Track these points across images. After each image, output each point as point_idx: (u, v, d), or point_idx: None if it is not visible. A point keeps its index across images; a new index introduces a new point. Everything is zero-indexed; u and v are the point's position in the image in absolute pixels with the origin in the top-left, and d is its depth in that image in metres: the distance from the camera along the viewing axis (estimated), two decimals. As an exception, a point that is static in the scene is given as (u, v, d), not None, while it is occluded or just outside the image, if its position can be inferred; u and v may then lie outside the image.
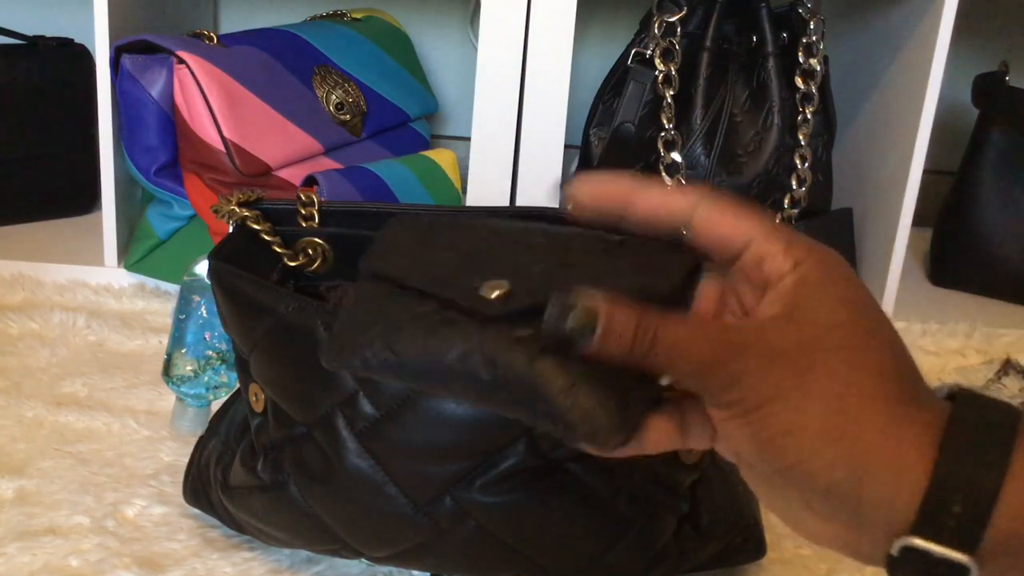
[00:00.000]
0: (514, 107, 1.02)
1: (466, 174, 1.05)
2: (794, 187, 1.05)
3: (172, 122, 0.96)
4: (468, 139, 1.05)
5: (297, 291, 0.62)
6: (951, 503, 0.35)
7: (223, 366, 0.74)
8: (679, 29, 1.03)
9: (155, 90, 0.94)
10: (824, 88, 1.07)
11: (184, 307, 0.74)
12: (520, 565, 0.56)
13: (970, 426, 0.36)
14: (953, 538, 0.35)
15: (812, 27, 1.03)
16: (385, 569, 0.63)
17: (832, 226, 1.10)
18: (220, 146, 0.94)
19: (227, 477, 0.61)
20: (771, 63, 1.04)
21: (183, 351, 0.74)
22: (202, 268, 0.72)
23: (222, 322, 0.60)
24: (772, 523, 0.65)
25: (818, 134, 1.07)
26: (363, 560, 0.63)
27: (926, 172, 1.04)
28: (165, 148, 0.97)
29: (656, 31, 1.02)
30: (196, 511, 0.66)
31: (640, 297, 0.38)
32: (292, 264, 0.62)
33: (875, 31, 1.15)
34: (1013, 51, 1.32)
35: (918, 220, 1.05)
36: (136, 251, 1.01)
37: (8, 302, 0.98)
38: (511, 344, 0.38)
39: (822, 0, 1.28)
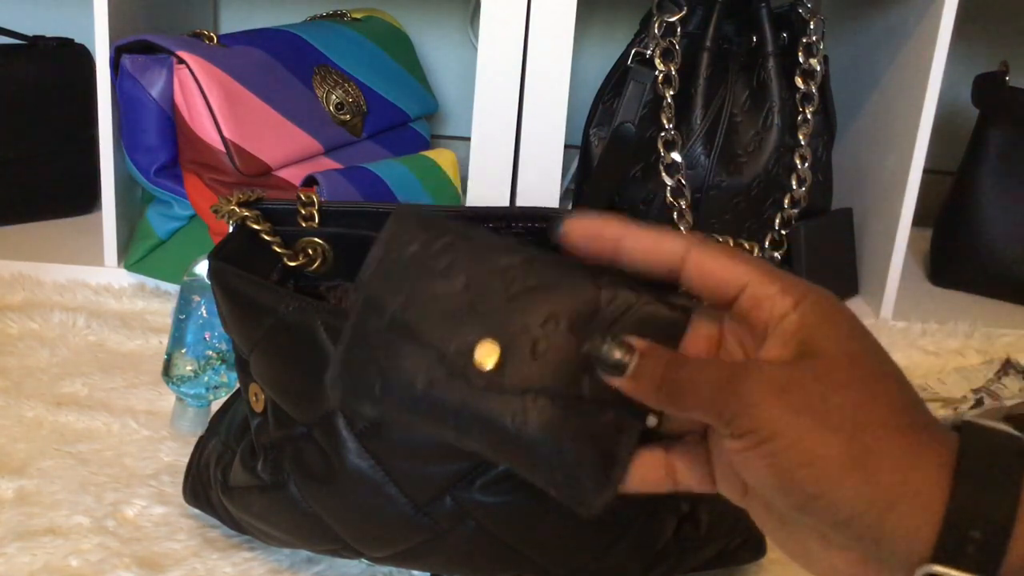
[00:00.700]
0: (514, 107, 1.02)
1: (466, 174, 1.05)
2: (794, 187, 1.05)
3: (172, 122, 0.96)
4: (468, 139, 1.05)
5: (297, 291, 0.61)
6: (971, 530, 0.36)
7: (223, 366, 0.74)
8: (679, 29, 1.03)
9: (155, 90, 0.94)
10: (824, 88, 1.07)
11: (184, 307, 0.74)
12: (520, 565, 0.56)
13: (981, 454, 0.37)
14: (972, 564, 0.36)
15: (812, 27, 1.03)
16: (385, 569, 0.63)
17: (832, 226, 1.10)
18: (220, 146, 0.94)
19: (227, 477, 0.61)
20: (771, 63, 1.04)
21: (183, 351, 0.74)
22: (202, 268, 0.72)
23: (222, 322, 0.60)
24: (772, 523, 0.65)
25: (818, 134, 1.07)
26: (363, 560, 0.63)
27: (926, 172, 1.04)
28: (165, 148, 0.97)
29: (656, 31, 1.02)
30: (196, 511, 0.66)
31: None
32: (292, 264, 0.62)
33: (875, 31, 1.15)
34: (1013, 51, 1.32)
35: (918, 220, 1.05)
36: (136, 251, 1.01)
37: (8, 302, 0.98)
38: (502, 409, 0.42)
39: (822, 0, 1.28)
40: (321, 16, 1.19)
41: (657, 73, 1.03)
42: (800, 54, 1.04)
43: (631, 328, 0.43)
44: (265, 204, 0.63)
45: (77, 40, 1.16)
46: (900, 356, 0.99)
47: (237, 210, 0.61)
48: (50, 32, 1.17)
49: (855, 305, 1.09)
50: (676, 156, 1.03)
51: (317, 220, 0.64)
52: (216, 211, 0.62)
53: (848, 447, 0.37)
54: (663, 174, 1.03)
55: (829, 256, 1.09)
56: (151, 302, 1.00)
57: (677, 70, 1.03)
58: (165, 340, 0.77)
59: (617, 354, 0.41)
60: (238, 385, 0.62)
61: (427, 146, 1.17)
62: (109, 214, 1.02)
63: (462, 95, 1.36)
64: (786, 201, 1.06)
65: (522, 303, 0.43)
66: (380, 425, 0.53)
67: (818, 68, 1.04)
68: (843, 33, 1.22)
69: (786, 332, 0.39)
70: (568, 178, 1.25)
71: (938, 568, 0.36)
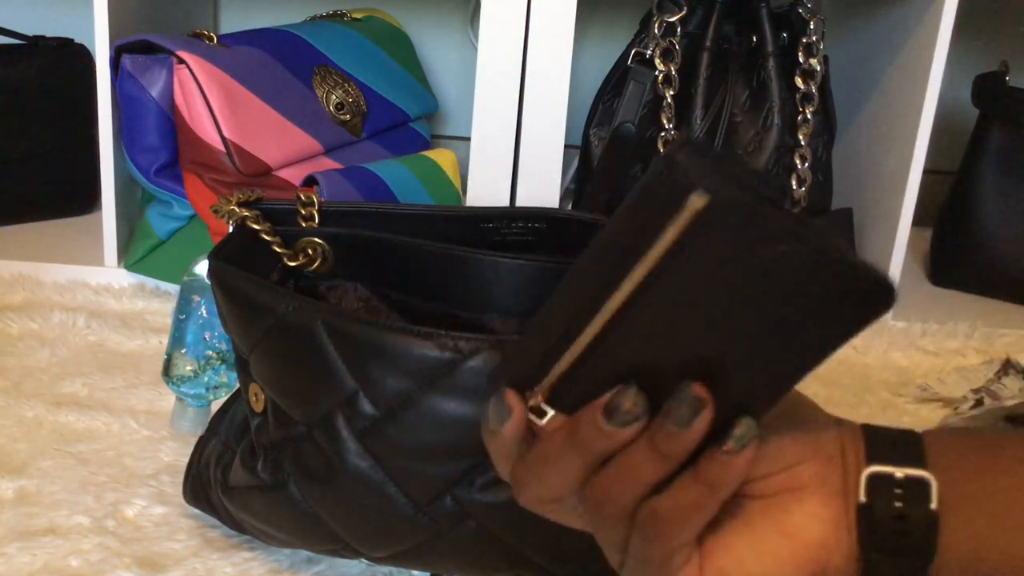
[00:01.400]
0: (514, 107, 1.02)
1: (466, 174, 1.05)
2: (794, 187, 1.05)
3: (172, 122, 0.96)
4: (468, 139, 1.05)
5: (297, 291, 0.62)
6: (890, 445, 0.39)
7: (223, 366, 0.74)
8: (679, 29, 1.03)
9: (155, 90, 0.94)
10: (824, 88, 1.07)
11: (184, 307, 0.74)
12: (520, 565, 0.56)
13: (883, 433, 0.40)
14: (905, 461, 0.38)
15: (812, 27, 1.03)
16: (385, 569, 0.63)
17: (832, 226, 1.10)
18: (220, 146, 0.94)
19: (227, 477, 0.61)
20: (771, 63, 1.04)
21: (183, 351, 0.74)
22: (202, 268, 0.72)
23: (222, 322, 0.60)
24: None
25: (818, 134, 1.07)
26: (363, 560, 0.63)
27: (926, 172, 1.04)
28: (165, 148, 0.97)
29: (656, 31, 1.03)
30: (196, 511, 0.66)
31: None
32: (292, 264, 0.62)
33: (875, 31, 1.15)
34: (1013, 51, 1.32)
35: (918, 220, 1.05)
36: (136, 251, 1.01)
37: (8, 302, 0.98)
38: None
39: (822, 0, 1.28)
40: (321, 16, 1.19)
41: (657, 73, 1.03)
42: (800, 54, 1.04)
43: None
44: (265, 204, 0.63)
45: (77, 40, 1.16)
46: (900, 356, 0.99)
47: (237, 210, 0.61)
48: (50, 32, 1.17)
49: (855, 305, 1.09)
50: (676, 156, 1.03)
51: (317, 220, 0.64)
52: (216, 211, 0.62)
53: None
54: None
55: (829, 256, 1.08)
56: (151, 302, 1.00)
57: (677, 70, 1.03)
58: (165, 340, 0.77)
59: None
60: (238, 385, 0.62)
61: (427, 146, 1.17)
62: (109, 214, 1.02)
63: (462, 95, 1.36)
64: (786, 201, 1.06)
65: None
66: (380, 425, 0.53)
67: (818, 68, 1.04)
68: (843, 33, 1.22)
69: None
70: (568, 178, 1.25)
71: (876, 467, 0.38)
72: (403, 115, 1.15)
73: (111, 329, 0.93)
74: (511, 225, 0.65)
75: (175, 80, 0.94)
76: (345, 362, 0.52)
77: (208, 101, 0.93)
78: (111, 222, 1.02)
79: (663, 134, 1.03)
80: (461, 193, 1.06)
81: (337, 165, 1.02)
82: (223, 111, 0.94)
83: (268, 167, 0.97)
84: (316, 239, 0.63)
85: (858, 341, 1.01)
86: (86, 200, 1.18)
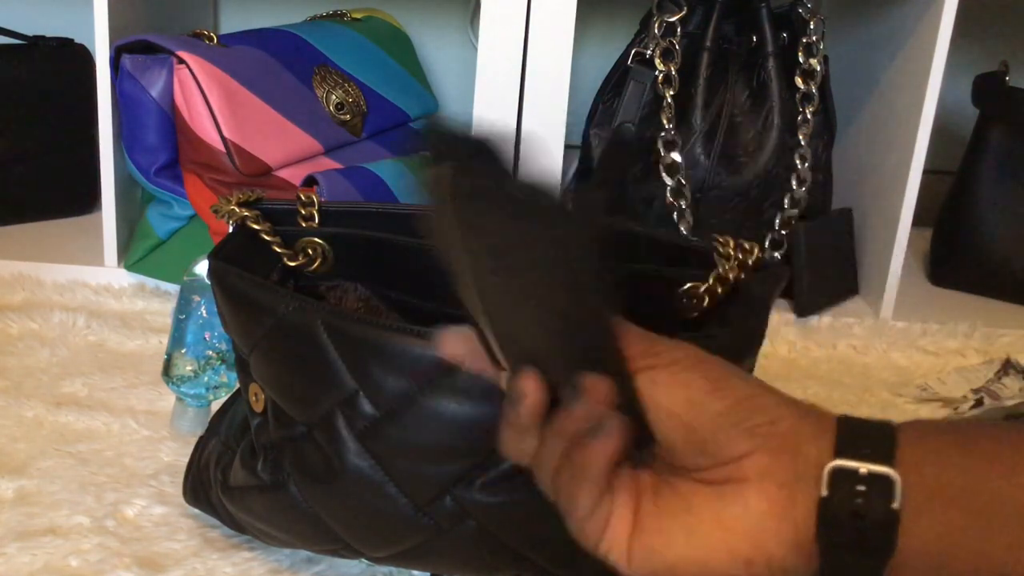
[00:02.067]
0: (514, 107, 1.02)
1: (466, 174, 1.05)
2: (794, 187, 1.05)
3: (172, 122, 0.96)
4: (468, 139, 1.05)
5: (297, 291, 0.62)
6: (861, 438, 0.39)
7: (223, 366, 0.74)
8: (679, 29, 1.03)
9: (155, 90, 0.94)
10: (824, 88, 1.07)
11: (184, 307, 0.74)
12: (520, 565, 0.56)
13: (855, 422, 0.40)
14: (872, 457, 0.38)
15: (812, 27, 1.03)
16: (385, 569, 0.63)
17: (832, 226, 1.10)
18: (220, 146, 0.94)
19: (227, 477, 0.61)
20: (771, 63, 1.04)
21: (183, 351, 0.74)
22: (202, 268, 0.72)
23: (222, 322, 0.60)
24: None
25: (818, 134, 1.07)
26: (363, 560, 0.63)
27: (926, 172, 1.04)
28: (165, 148, 0.97)
29: (656, 31, 1.03)
30: (196, 511, 0.66)
31: None
32: (292, 264, 0.62)
33: (875, 31, 1.15)
34: (1013, 51, 1.32)
35: (918, 220, 1.05)
36: (136, 251, 1.01)
37: (8, 302, 0.98)
38: None
39: (822, 0, 1.28)
40: (321, 16, 1.19)
41: (657, 73, 1.03)
42: (800, 54, 1.04)
43: None
44: (265, 204, 0.63)
45: (77, 40, 1.16)
46: (900, 356, 0.99)
47: (237, 210, 0.61)
48: (50, 32, 1.17)
49: (855, 305, 1.09)
50: (676, 156, 1.03)
51: (317, 220, 0.64)
52: (216, 211, 0.62)
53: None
54: (663, 174, 1.03)
55: (829, 256, 1.09)
56: (151, 302, 1.00)
57: (677, 70, 1.03)
58: (165, 340, 0.77)
59: None
60: (238, 385, 0.62)
61: (427, 146, 1.17)
62: (109, 214, 1.02)
63: (462, 95, 1.36)
64: (786, 201, 1.06)
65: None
66: (380, 425, 0.53)
67: (818, 68, 1.04)
68: (843, 33, 1.22)
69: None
70: (568, 178, 1.25)
71: (840, 462, 0.38)
72: (403, 115, 1.15)
73: (111, 329, 0.93)
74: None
75: (175, 80, 0.94)
76: (345, 362, 0.52)
77: (208, 101, 0.93)
78: (111, 222, 1.02)
79: (663, 134, 1.03)
80: (461, 193, 1.06)
81: (337, 165, 1.02)
82: (223, 111, 0.94)
83: (268, 167, 0.97)
84: (316, 239, 0.63)
85: (858, 341, 1.01)
86: (86, 200, 1.18)
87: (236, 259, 0.58)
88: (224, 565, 0.62)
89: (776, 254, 1.06)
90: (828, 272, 1.08)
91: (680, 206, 1.03)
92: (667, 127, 1.02)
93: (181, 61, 0.93)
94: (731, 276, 0.60)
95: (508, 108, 1.02)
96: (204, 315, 0.73)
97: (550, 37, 1.00)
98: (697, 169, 1.04)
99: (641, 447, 0.41)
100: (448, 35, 1.37)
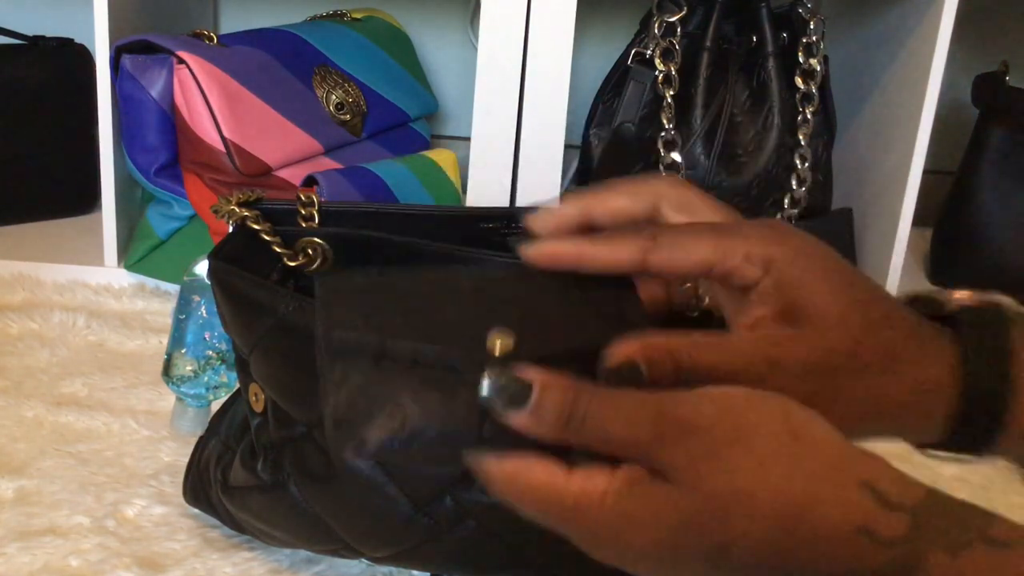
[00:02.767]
0: (514, 107, 1.02)
1: (466, 174, 1.05)
2: (794, 187, 1.05)
3: (172, 122, 0.96)
4: (468, 139, 1.05)
5: (297, 291, 0.61)
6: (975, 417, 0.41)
7: (223, 366, 0.74)
8: (679, 29, 1.03)
9: (155, 90, 0.94)
10: (824, 88, 1.07)
11: (184, 307, 0.74)
12: (520, 565, 0.56)
13: (980, 350, 0.43)
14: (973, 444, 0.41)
15: (812, 27, 1.03)
16: (385, 569, 0.63)
17: (832, 226, 1.10)
18: (220, 146, 0.94)
19: (227, 477, 0.61)
20: (771, 63, 1.04)
21: (183, 351, 0.74)
22: (202, 268, 0.72)
23: (222, 322, 0.60)
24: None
25: (818, 134, 1.07)
26: (363, 560, 0.63)
27: (926, 172, 1.04)
28: (165, 148, 0.97)
29: (656, 31, 1.02)
30: (196, 511, 0.66)
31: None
32: (292, 264, 0.62)
33: (875, 31, 1.15)
34: (1013, 51, 1.32)
35: (918, 220, 1.05)
36: (136, 251, 1.01)
37: (8, 302, 0.98)
38: None
39: (822, 0, 1.27)
40: (321, 16, 1.19)
41: (657, 73, 1.03)
42: (800, 54, 1.04)
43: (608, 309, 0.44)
44: (265, 204, 0.63)
45: (77, 40, 1.16)
46: (900, 356, 0.99)
47: (237, 210, 0.61)
48: (50, 32, 1.16)
49: (855, 305, 1.09)
50: (676, 156, 1.03)
51: (317, 220, 0.64)
52: (216, 211, 0.62)
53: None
54: (663, 174, 1.03)
55: (829, 256, 1.08)
56: (151, 302, 1.00)
57: (677, 70, 1.03)
58: (165, 340, 0.77)
59: (513, 388, 0.38)
60: (238, 385, 0.62)
61: (427, 146, 1.17)
62: (109, 214, 1.02)
63: (462, 95, 1.36)
64: (786, 201, 1.06)
65: (504, 308, 0.44)
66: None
67: (818, 68, 1.04)
68: (843, 33, 1.22)
69: (763, 296, 0.39)
70: (568, 178, 1.25)
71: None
72: (403, 115, 1.15)
73: (111, 329, 0.93)
74: (511, 225, 0.65)
75: (175, 80, 0.94)
76: (345, 362, 0.52)
77: (208, 101, 0.93)
78: (111, 222, 1.02)
79: (663, 134, 1.03)
80: (461, 193, 1.06)
81: (337, 165, 1.02)
82: (223, 111, 0.94)
83: (268, 167, 0.97)
84: (316, 239, 0.63)
85: (858, 341, 1.00)
86: (86, 200, 1.18)
87: (236, 259, 0.58)
88: (224, 565, 0.62)
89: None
90: (828, 272, 1.08)
91: (680, 206, 1.03)
92: (667, 127, 1.02)
93: (181, 61, 0.93)
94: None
95: (508, 108, 1.02)
96: (204, 315, 0.73)
97: (550, 37, 1.00)
98: (697, 169, 1.04)
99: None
100: (448, 35, 1.37)
